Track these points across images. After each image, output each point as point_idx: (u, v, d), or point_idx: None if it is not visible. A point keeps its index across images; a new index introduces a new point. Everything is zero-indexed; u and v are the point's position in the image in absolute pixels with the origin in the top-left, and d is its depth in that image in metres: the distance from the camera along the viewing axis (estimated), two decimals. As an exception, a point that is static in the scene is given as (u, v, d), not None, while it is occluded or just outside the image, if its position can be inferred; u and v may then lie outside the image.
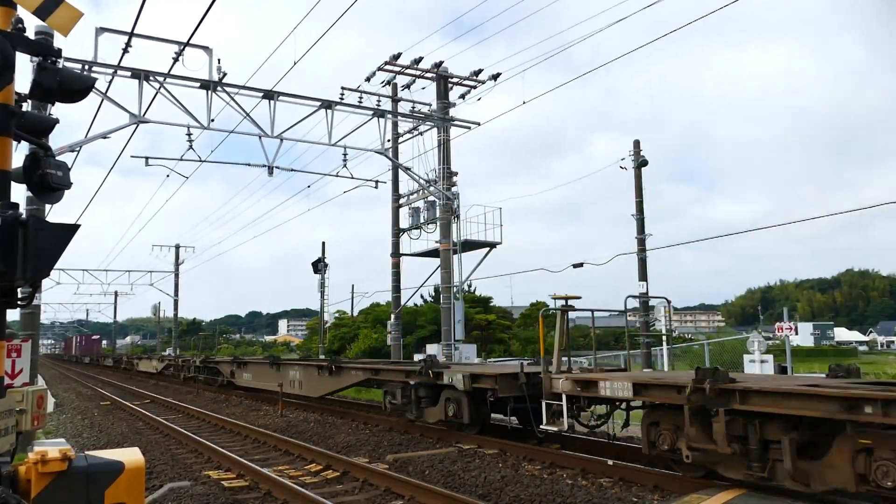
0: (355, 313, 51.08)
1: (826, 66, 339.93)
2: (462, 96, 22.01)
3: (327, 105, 18.46)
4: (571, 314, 11.13)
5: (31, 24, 5.99)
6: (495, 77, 21.05)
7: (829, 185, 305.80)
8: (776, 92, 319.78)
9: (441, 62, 21.81)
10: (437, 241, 22.31)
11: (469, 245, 23.69)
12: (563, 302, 10.75)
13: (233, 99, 17.19)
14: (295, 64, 16.07)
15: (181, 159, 18.03)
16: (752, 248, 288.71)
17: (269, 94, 17.61)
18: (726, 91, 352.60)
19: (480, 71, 21.45)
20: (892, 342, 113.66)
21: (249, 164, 19.18)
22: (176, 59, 15.71)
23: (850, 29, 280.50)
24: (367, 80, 21.85)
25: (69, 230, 3.97)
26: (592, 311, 12.02)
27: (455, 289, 21.45)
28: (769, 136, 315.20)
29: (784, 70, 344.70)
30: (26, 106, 4.71)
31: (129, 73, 15.96)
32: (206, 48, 16.54)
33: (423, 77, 22.16)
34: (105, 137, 15.65)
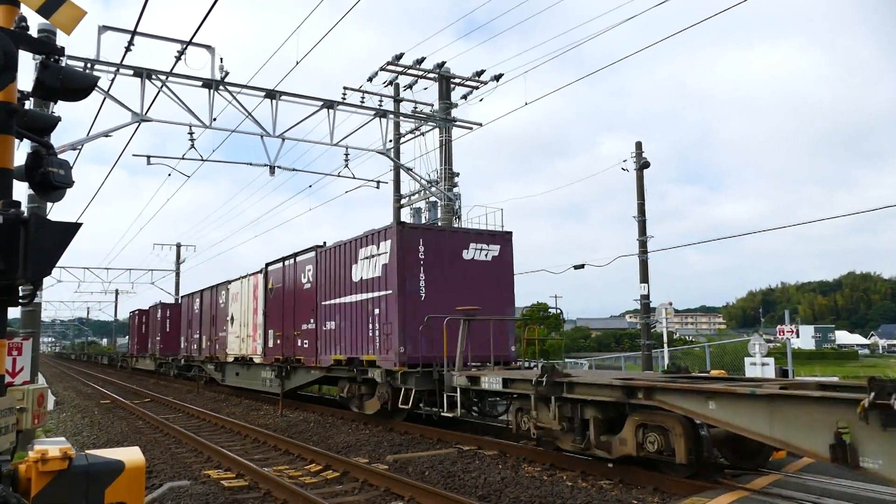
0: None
1: (834, 65, 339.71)
2: (464, 97, 22.00)
3: (329, 105, 18.45)
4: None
5: (35, 22, 6.00)
6: (497, 77, 21.04)
7: (835, 185, 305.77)
8: (783, 90, 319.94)
9: (443, 62, 21.81)
10: (438, 242, 22.24)
11: (470, 246, 23.61)
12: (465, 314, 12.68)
13: (235, 98, 17.18)
14: (297, 63, 16.04)
15: (183, 158, 18.01)
16: (756, 248, 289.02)
17: (272, 94, 17.60)
18: (733, 90, 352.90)
19: (483, 72, 21.45)
20: (894, 345, 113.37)
21: (251, 164, 19.19)
22: (178, 58, 15.70)
23: (859, 27, 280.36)
24: (370, 79, 21.87)
25: (70, 229, 3.97)
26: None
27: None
28: (775, 135, 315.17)
29: (791, 68, 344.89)
30: (28, 104, 4.70)
31: (131, 72, 15.96)
32: (208, 47, 16.54)
33: (425, 77, 22.16)
34: (107, 136, 15.65)
